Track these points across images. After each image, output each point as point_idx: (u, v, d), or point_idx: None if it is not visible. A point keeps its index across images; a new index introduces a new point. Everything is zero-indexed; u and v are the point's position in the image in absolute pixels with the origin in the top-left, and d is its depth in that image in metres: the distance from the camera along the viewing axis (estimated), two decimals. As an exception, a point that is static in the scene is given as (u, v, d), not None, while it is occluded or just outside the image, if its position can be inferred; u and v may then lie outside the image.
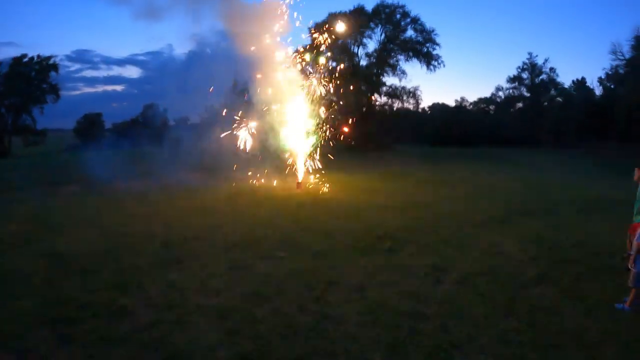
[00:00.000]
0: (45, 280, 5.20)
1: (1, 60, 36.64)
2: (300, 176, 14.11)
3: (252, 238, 7.35)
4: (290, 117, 14.43)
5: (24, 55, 37.70)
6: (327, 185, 13.52)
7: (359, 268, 5.84)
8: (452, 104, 52.61)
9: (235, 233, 7.71)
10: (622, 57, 31.51)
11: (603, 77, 41.39)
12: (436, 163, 23.88)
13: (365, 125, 43.00)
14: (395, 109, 44.83)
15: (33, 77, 38.50)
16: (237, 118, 15.98)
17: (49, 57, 39.23)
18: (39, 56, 38.60)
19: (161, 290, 4.99)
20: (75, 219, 8.91)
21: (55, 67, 39.72)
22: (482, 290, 5.02)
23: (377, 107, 45.31)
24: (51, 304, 4.51)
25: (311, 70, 15.54)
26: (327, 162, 15.43)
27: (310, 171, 14.57)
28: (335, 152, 16.98)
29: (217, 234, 7.67)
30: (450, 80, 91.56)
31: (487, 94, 52.68)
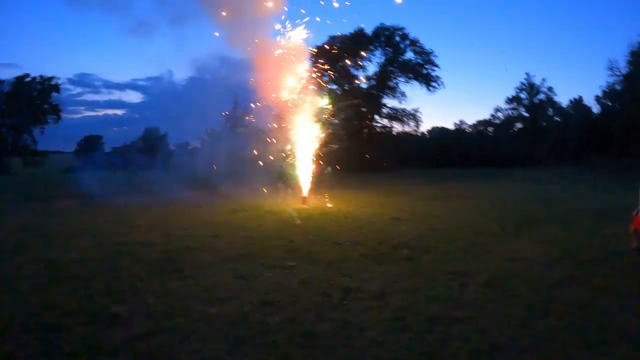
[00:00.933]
0: (33, 286, 4.73)
1: (3, 80, 36.77)
2: (305, 191, 13.72)
3: (257, 248, 6.88)
4: (294, 133, 14.26)
5: (26, 75, 37.85)
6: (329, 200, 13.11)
7: (377, 275, 5.37)
8: (451, 127, 52.64)
9: (240, 243, 7.24)
10: (618, 73, 31.70)
11: (600, 95, 41.70)
12: (440, 181, 23.55)
13: (366, 147, 43.08)
14: (396, 131, 44.96)
15: (34, 97, 38.57)
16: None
17: (51, 78, 39.37)
18: (41, 76, 38.81)
19: (160, 299, 4.50)
20: (71, 229, 8.46)
21: (57, 87, 39.85)
22: (513, 292, 4.61)
23: (378, 129, 45.48)
24: (37, 309, 4.03)
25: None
26: (330, 181, 15.25)
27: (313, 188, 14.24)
28: (337, 173, 16.75)
29: (221, 244, 7.20)
30: (448, 104, 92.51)
31: (485, 115, 52.85)
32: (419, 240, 7.47)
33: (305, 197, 13.30)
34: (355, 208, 11.96)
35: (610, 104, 38.38)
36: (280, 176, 15.11)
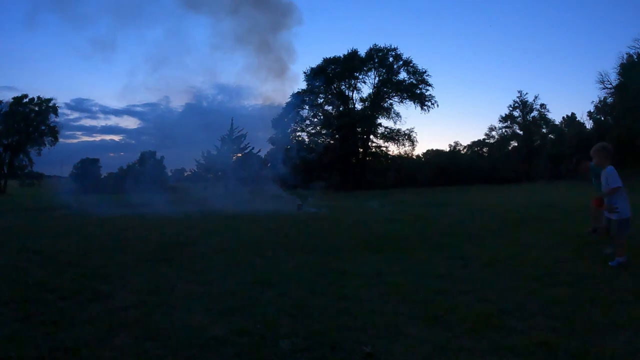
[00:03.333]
0: (16, 269, 4.53)
1: (1, 100, 36.93)
2: (301, 201, 13.62)
3: (252, 242, 6.68)
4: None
5: (25, 96, 38.09)
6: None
7: (374, 261, 5.16)
8: (446, 148, 52.92)
9: (234, 239, 7.05)
10: (609, 85, 32.21)
11: (592, 110, 42.30)
12: (436, 193, 23.52)
13: (362, 167, 43.17)
14: (391, 152, 45.19)
15: (32, 118, 38.66)
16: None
17: (49, 99, 39.69)
18: (39, 97, 39.06)
19: (147, 279, 4.28)
20: (62, 229, 8.27)
21: (54, 109, 40.12)
22: (517, 269, 4.42)
23: (373, 149, 45.70)
24: (15, 286, 3.81)
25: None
26: (325, 196, 15.28)
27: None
28: (331, 189, 16.84)
29: (214, 240, 6.99)
30: (443, 126, 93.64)
31: (480, 135, 53.53)
32: (415, 235, 7.26)
33: (300, 204, 13.20)
34: (350, 213, 11.80)
35: (602, 118, 38.90)
36: (275, 190, 15.13)
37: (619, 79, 30.38)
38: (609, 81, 31.95)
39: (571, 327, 2.79)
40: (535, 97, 47.79)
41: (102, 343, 2.74)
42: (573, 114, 48.34)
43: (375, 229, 8.12)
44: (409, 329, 2.89)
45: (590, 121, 42.45)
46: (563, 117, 49.72)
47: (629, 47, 31.32)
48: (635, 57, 29.95)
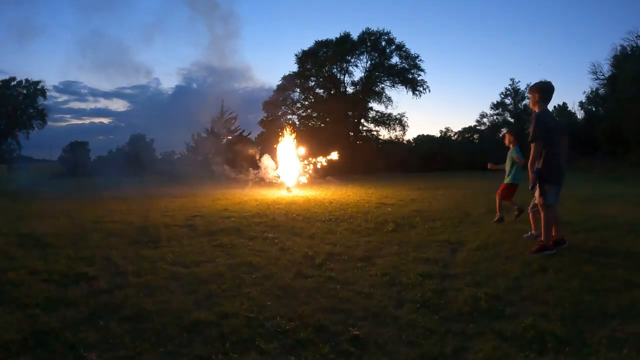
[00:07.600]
0: (0, 252, 4.41)
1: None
2: (291, 182, 13.54)
3: (238, 225, 6.60)
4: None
5: (12, 79, 37.06)
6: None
7: (363, 244, 5.13)
8: (437, 134, 52.76)
9: (220, 221, 6.95)
10: (602, 76, 32.26)
11: (584, 100, 42.44)
12: (427, 177, 23.61)
13: (352, 151, 42.99)
14: (382, 136, 45.05)
15: (20, 101, 37.69)
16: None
17: (38, 82, 38.63)
18: (27, 80, 38.01)
19: (131, 262, 4.21)
20: (48, 212, 8.10)
21: (43, 92, 39.10)
22: (508, 255, 4.40)
23: (364, 133, 45.52)
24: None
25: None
26: (315, 180, 15.25)
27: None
28: (321, 175, 16.67)
29: (200, 222, 6.90)
30: (434, 112, 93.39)
31: (471, 122, 53.33)
32: (405, 219, 7.23)
33: (289, 187, 13.13)
34: (340, 196, 11.74)
35: (593, 108, 39.10)
36: (262, 171, 15.01)
37: (611, 70, 30.41)
38: (601, 72, 32.00)
39: (560, 312, 2.79)
40: (527, 85, 47.80)
41: (85, 325, 2.68)
42: (564, 103, 48.42)
43: (364, 212, 8.09)
44: (397, 312, 2.87)
45: (582, 111, 42.65)
46: (554, 106, 49.76)
47: (622, 39, 31.32)
48: (629, 49, 29.97)
